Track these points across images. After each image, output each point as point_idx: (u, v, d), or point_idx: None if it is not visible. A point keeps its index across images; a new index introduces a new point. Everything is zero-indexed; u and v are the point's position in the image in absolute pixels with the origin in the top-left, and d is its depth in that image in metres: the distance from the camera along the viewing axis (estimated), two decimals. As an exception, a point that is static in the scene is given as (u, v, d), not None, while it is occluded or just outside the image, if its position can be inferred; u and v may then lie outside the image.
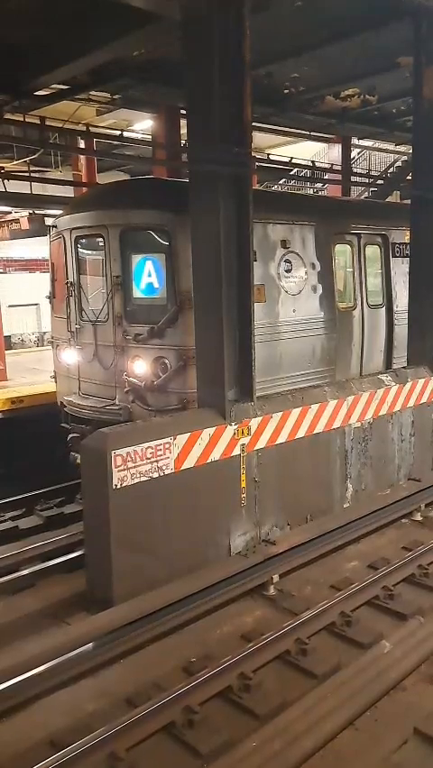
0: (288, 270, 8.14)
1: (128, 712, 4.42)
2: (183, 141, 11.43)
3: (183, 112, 8.71)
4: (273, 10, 7.42)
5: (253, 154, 7.15)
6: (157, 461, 6.04)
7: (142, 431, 6.17)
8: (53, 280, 9.02)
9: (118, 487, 5.77)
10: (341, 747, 4.19)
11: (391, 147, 17.45)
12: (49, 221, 11.12)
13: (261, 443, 7.00)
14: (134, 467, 5.86)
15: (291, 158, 14.81)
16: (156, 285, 7.48)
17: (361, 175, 17.69)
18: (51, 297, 9.16)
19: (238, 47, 6.30)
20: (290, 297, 8.17)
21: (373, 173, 19.54)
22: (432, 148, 8.93)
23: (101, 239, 7.76)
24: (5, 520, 8.80)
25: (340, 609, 5.68)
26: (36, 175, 11.85)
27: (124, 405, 7.65)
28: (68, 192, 13.86)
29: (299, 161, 15.47)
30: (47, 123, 8.78)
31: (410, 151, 11.56)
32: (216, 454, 6.56)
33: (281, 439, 7.20)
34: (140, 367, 7.48)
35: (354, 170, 18.60)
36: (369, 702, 4.54)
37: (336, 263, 8.96)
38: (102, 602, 5.81)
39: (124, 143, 13.15)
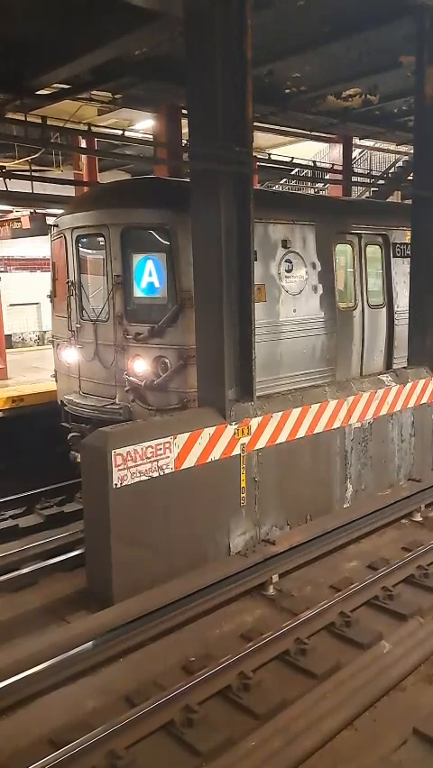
0: (288, 270, 8.14)
1: (128, 710, 4.42)
2: (184, 141, 11.42)
3: (184, 111, 8.69)
4: (275, 7, 7.41)
5: (254, 154, 7.15)
6: (157, 461, 6.04)
7: (142, 430, 6.17)
8: (54, 279, 9.03)
9: (118, 486, 5.77)
10: (340, 747, 4.19)
11: (392, 147, 17.44)
12: (50, 220, 11.12)
13: (261, 443, 7.00)
14: (135, 466, 5.87)
15: (292, 158, 14.82)
16: (157, 284, 7.48)
17: (362, 175, 17.67)
18: (52, 296, 9.17)
19: (240, 44, 6.29)
20: (290, 296, 8.16)
21: (374, 173, 19.53)
22: (433, 147, 8.93)
23: (102, 238, 7.76)
24: (6, 518, 8.81)
25: (340, 609, 5.68)
26: (37, 174, 11.84)
27: (125, 404, 7.65)
28: (69, 191, 13.86)
29: (300, 161, 15.47)
30: (48, 122, 8.80)
31: (412, 151, 11.56)
32: (216, 454, 6.56)
33: (282, 439, 7.21)
34: (140, 366, 7.48)
35: (355, 170, 18.58)
36: (368, 702, 4.54)
37: (337, 263, 8.95)
38: (102, 600, 5.82)
39: (126, 143, 13.15)
